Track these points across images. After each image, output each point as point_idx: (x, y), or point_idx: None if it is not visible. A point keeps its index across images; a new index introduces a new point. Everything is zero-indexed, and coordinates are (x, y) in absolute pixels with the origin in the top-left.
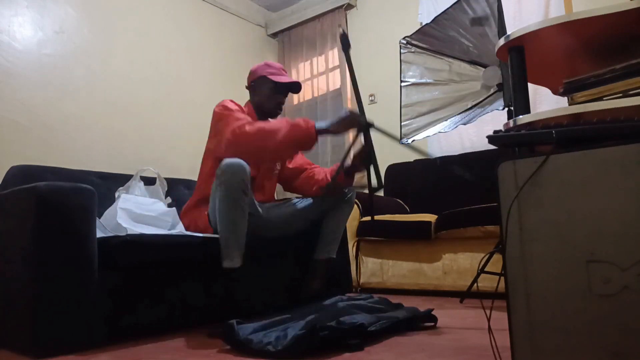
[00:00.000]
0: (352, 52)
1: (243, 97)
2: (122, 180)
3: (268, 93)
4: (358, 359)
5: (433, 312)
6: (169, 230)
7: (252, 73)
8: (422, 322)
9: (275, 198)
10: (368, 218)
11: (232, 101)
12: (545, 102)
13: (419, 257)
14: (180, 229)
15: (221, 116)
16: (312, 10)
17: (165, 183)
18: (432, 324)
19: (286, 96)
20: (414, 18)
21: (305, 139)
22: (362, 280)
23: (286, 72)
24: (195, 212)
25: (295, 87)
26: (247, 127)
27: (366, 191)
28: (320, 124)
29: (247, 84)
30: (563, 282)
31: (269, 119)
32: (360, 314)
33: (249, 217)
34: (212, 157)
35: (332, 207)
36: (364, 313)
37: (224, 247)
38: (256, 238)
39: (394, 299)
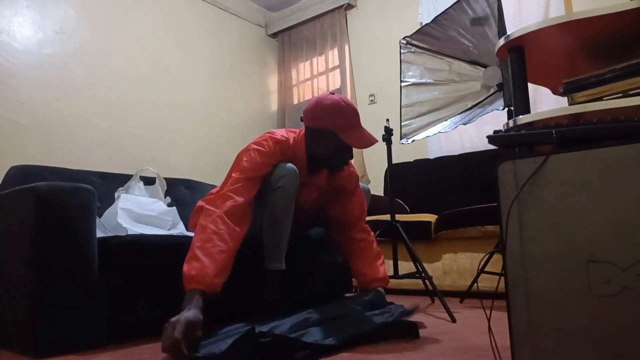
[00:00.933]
0: (352, 52)
1: (242, 96)
2: (122, 180)
3: (334, 150)
4: (358, 358)
5: (418, 317)
6: (169, 230)
7: (316, 117)
8: (401, 331)
9: None
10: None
11: (282, 136)
12: (545, 102)
13: (419, 257)
14: (180, 229)
15: (239, 160)
16: (312, 10)
17: (164, 183)
18: (411, 336)
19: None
20: (414, 18)
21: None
22: None
23: (359, 117)
24: None
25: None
26: (213, 210)
27: None
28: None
29: (302, 117)
30: (563, 282)
31: (327, 171)
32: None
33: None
34: None
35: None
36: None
37: (272, 250)
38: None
39: (394, 300)
